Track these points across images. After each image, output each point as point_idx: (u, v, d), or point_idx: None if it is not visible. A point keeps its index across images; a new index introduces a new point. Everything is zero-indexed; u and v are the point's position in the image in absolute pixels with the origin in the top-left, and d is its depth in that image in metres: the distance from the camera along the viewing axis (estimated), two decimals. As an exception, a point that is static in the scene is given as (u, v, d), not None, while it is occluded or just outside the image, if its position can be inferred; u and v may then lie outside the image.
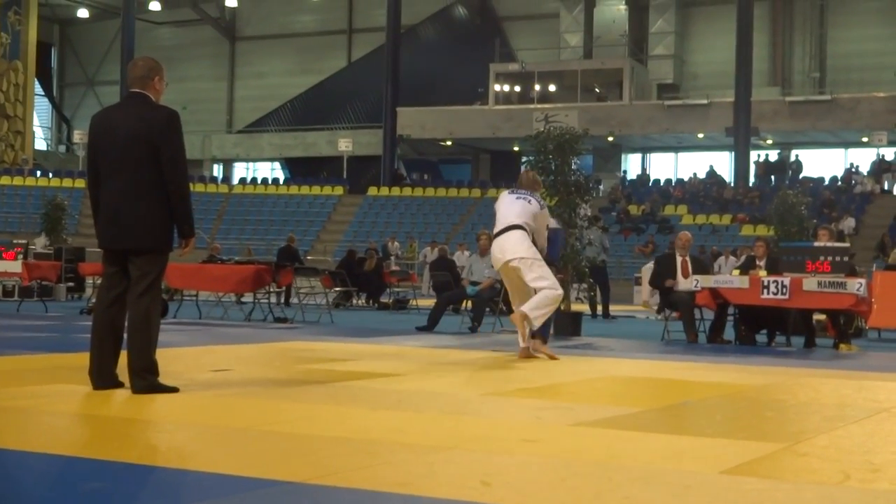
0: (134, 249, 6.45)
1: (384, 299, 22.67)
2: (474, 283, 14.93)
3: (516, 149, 43.35)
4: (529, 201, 9.94)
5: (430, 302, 18.09)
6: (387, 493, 3.79)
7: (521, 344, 9.92)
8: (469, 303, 15.13)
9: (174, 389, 6.43)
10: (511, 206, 9.95)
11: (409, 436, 5.15)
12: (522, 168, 10.69)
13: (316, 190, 45.58)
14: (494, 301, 15.31)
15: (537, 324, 9.70)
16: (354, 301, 22.75)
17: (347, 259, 23.14)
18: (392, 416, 5.84)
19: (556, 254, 10.95)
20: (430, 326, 14.27)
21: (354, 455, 4.58)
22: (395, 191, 44.57)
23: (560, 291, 9.84)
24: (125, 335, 6.50)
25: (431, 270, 22.13)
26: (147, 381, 6.35)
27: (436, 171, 50.43)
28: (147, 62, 6.68)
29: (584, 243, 15.24)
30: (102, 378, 6.47)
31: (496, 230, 9.97)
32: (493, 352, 10.80)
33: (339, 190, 45.33)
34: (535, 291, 9.71)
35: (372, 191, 44.70)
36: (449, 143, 46.72)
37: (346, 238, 39.32)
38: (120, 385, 6.49)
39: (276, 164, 53.66)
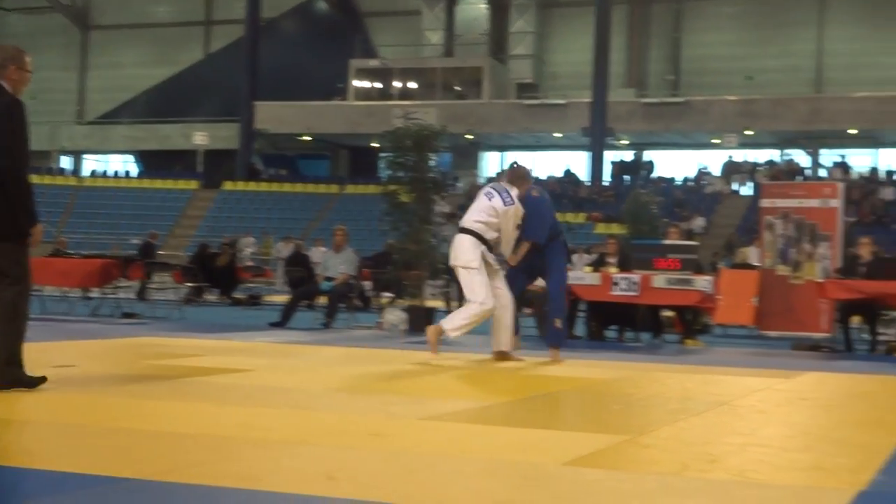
0: None
1: (237, 295, 22.36)
2: (329, 279, 14.84)
3: (375, 145, 43.24)
4: (491, 197, 9.67)
5: (284, 298, 17.92)
6: (229, 489, 3.72)
7: (430, 353, 9.61)
8: (324, 298, 15.04)
9: (42, 380, 6.27)
10: (477, 204, 9.79)
11: (256, 431, 5.08)
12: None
13: (169, 184, 44.72)
14: (349, 297, 15.27)
15: (453, 336, 9.54)
16: (207, 297, 22.38)
17: (199, 254, 22.76)
18: (240, 412, 5.74)
19: (534, 233, 9.92)
20: (283, 322, 14.14)
21: (198, 451, 4.49)
22: (252, 185, 44.05)
23: (489, 306, 9.48)
24: None
25: (286, 266, 21.96)
26: (11, 373, 6.19)
27: (293, 167, 49.97)
28: (3, 50, 6.48)
29: (439, 240, 15.32)
30: None
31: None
32: (347, 347, 10.75)
33: (193, 184, 44.57)
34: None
35: (227, 185, 44.08)
36: (307, 138, 46.39)
37: (199, 233, 38.66)
38: None
39: (129, 157, 52.42)
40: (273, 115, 44.71)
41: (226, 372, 7.69)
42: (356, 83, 45.28)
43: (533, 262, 10.06)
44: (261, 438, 4.83)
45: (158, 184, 44.71)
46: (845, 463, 4.58)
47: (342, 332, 13.39)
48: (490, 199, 9.67)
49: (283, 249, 30.50)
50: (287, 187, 44.10)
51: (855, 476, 4.18)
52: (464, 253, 9.59)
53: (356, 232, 36.96)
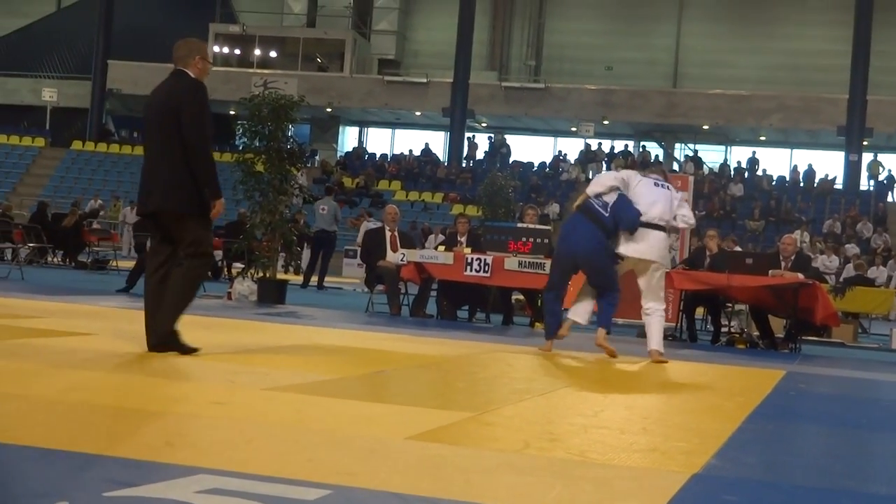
0: (163, 212, 6.79)
1: (83, 258, 21.76)
2: None
3: (233, 112, 42.60)
4: (668, 187, 9.42)
5: (131, 263, 17.51)
6: (61, 451, 3.58)
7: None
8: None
9: (196, 350, 6.74)
10: (655, 196, 9.27)
11: (96, 395, 4.94)
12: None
13: (14, 140, 43.22)
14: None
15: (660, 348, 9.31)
16: (50, 259, 21.72)
17: (39, 213, 22.06)
18: (79, 376, 5.57)
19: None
20: (129, 286, 13.80)
21: (33, 413, 4.32)
22: (102, 147, 42.90)
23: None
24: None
25: (134, 231, 21.49)
26: (168, 339, 6.73)
27: (147, 130, 48.84)
28: (189, 44, 7.04)
29: (293, 212, 15.16)
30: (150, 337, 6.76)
31: (642, 219, 9.16)
32: (193, 315, 10.53)
33: (40, 142, 43.18)
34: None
35: (76, 145, 42.84)
36: (163, 101, 45.35)
37: (45, 192, 37.49)
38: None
39: (-26, 111, 50.46)
40: (127, 76, 43.60)
41: (65, 335, 7.46)
42: (215, 48, 44.48)
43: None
44: (99, 403, 4.69)
45: (3, 139, 43.15)
46: (682, 447, 4.67)
47: (189, 300, 13.12)
48: (668, 189, 9.41)
49: (129, 214, 29.84)
50: (139, 150, 42.91)
51: (690, 459, 4.27)
52: (665, 255, 9.38)
53: (209, 200, 36.43)
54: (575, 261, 9.36)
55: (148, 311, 6.86)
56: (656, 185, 9.41)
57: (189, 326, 8.57)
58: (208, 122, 6.86)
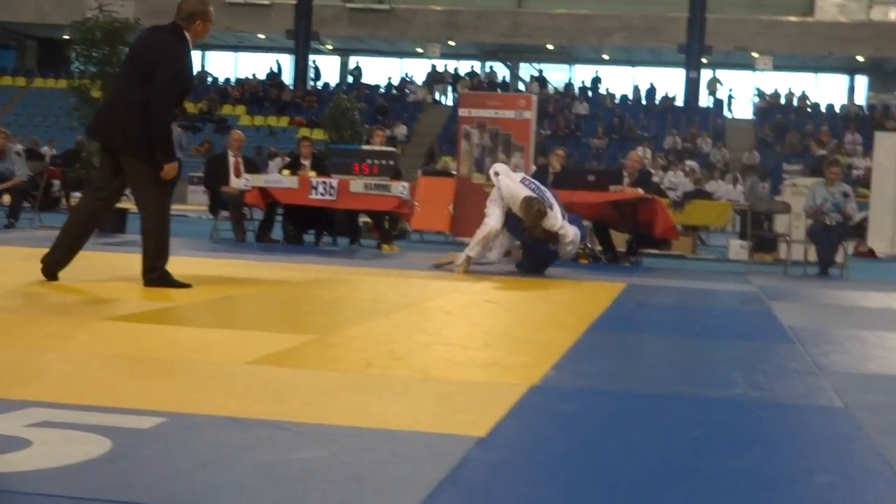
0: (124, 151, 6.91)
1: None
2: None
3: (66, 37, 41.04)
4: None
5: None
6: None
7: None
8: (7, 197, 14.26)
9: (187, 285, 6.91)
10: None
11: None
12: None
13: None
14: (33, 195, 14.55)
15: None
16: None
17: None
18: None
19: None
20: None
21: None
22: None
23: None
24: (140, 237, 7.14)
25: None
26: (157, 273, 6.99)
27: (-23, 57, 46.89)
28: (195, 5, 7.02)
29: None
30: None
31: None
32: (29, 248, 10.22)
33: None
34: None
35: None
36: (-8, 26, 43.54)
37: None
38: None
39: None
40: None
41: None
42: (47, -30, 42.69)
43: None
44: (-77, 339, 4.52)
45: None
46: (522, 360, 4.75)
47: (26, 232, 12.74)
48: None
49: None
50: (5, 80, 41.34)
51: (529, 372, 4.35)
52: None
53: (44, 129, 35.27)
54: None
55: (60, 237, 7.05)
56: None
57: (28, 258, 8.33)
58: (174, 90, 6.95)
